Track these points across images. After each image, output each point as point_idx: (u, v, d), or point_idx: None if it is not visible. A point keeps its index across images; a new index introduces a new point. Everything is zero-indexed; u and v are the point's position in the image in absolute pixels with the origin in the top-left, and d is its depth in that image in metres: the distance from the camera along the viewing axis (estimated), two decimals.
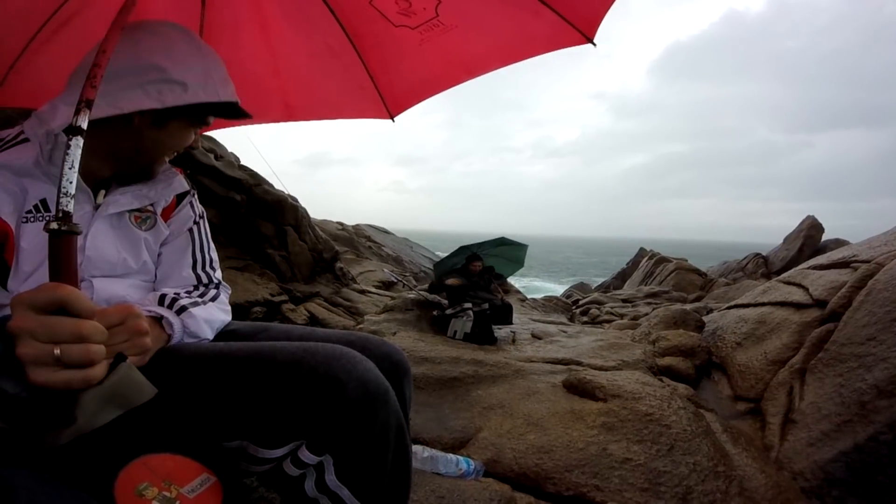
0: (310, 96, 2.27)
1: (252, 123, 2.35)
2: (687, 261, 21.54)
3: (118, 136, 1.32)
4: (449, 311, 6.06)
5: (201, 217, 1.66)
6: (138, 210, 1.45)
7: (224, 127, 2.31)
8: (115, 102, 1.23)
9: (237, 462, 1.18)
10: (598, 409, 2.99)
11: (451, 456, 2.63)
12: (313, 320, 9.07)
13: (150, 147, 1.37)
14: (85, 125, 1.07)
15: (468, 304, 5.95)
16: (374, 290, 12.23)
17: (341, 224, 21.41)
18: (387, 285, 13.38)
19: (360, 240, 20.04)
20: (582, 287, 25.68)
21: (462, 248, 7.39)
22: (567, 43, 1.74)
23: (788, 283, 4.48)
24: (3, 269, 1.19)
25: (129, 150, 1.35)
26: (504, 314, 6.22)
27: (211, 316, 1.43)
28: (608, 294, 15.88)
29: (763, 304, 4.44)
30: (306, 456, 1.14)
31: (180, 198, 1.59)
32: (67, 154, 1.03)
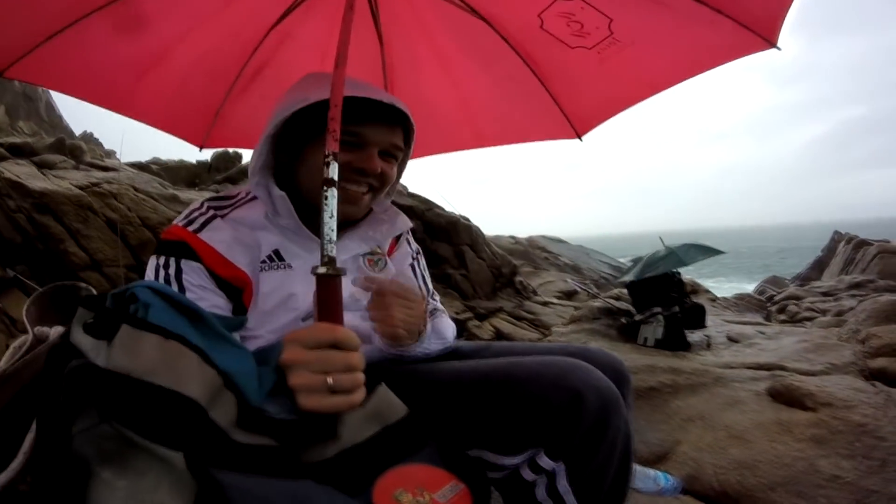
0: (497, 123, 2.33)
1: (444, 152, 2.47)
2: (890, 242, 19.12)
3: (299, 185, 1.44)
4: (638, 318, 5.93)
5: (418, 253, 1.77)
6: (371, 254, 1.58)
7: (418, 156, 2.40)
8: (264, 136, 1.38)
9: (484, 472, 1.24)
10: (808, 419, 2.83)
11: (649, 471, 2.58)
12: (499, 335, 9.26)
13: (307, 182, 1.42)
14: (335, 176, 1.19)
15: (657, 309, 5.80)
16: (556, 300, 12.20)
17: (514, 238, 21.55)
18: (568, 295, 13.30)
19: (536, 251, 19.98)
20: (775, 281, 23.64)
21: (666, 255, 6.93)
22: (750, 49, 1.67)
23: None
24: (242, 311, 1.34)
25: (305, 193, 1.43)
26: (696, 317, 5.93)
27: (450, 324, 1.59)
28: (805, 287, 14.53)
29: None
30: (544, 462, 1.19)
31: (397, 237, 1.70)
32: (326, 205, 1.16)
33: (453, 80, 2.13)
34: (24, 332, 1.12)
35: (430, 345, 1.49)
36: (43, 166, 9.75)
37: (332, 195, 1.18)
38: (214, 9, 1.72)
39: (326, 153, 1.21)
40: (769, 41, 1.60)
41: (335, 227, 1.16)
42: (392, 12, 1.86)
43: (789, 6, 1.51)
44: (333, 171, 1.20)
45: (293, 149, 1.44)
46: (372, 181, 1.43)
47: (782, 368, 4.01)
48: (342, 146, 1.30)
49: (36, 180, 8.66)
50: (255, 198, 1.44)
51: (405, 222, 1.67)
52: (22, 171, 8.93)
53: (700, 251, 6.80)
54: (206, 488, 0.79)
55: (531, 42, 1.90)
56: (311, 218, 1.41)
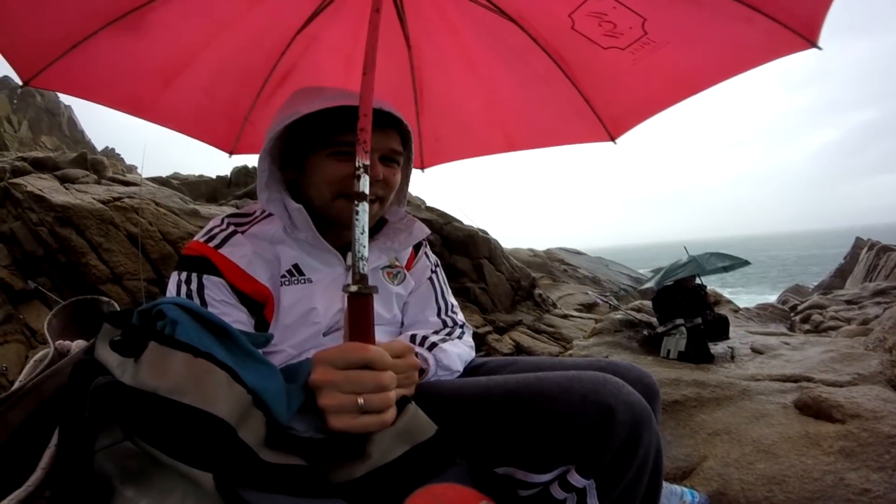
0: (528, 125, 2.28)
1: (476, 156, 2.44)
2: None
3: (310, 199, 1.43)
4: (660, 330, 5.87)
5: (437, 266, 1.76)
6: (389, 266, 1.58)
7: (447, 161, 2.42)
8: (264, 152, 1.38)
9: (514, 490, 1.23)
10: (836, 431, 2.77)
11: (675, 487, 2.46)
12: (519, 348, 9.24)
13: (315, 196, 1.41)
14: (367, 189, 1.16)
15: (680, 321, 5.72)
16: (575, 313, 12.16)
17: (533, 250, 21.50)
18: (588, 307, 13.24)
19: (555, 264, 19.93)
20: (798, 290, 23.29)
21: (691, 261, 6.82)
22: (789, 49, 1.60)
23: None
24: (264, 325, 1.35)
25: (312, 207, 1.41)
26: (719, 329, 5.84)
27: (459, 350, 1.52)
28: (829, 296, 14.33)
29: None
30: (575, 479, 1.17)
31: (416, 249, 1.70)
32: (357, 220, 1.13)
33: (483, 83, 2.11)
34: (44, 343, 1.11)
35: (450, 366, 1.47)
36: (65, 180, 9.91)
37: (364, 209, 1.15)
38: (238, 14, 1.72)
39: (357, 165, 1.18)
40: (809, 40, 1.54)
41: (367, 244, 1.14)
42: (419, 14, 1.84)
43: (831, 3, 1.43)
44: (364, 185, 1.17)
45: (296, 163, 1.44)
46: (377, 189, 1.41)
47: (809, 380, 3.94)
48: (341, 157, 1.35)
49: (58, 194, 8.80)
50: (271, 214, 1.43)
51: (423, 230, 1.65)
52: (44, 185, 9.08)
53: (721, 259, 6.73)
54: None
55: (562, 43, 1.87)
56: (326, 230, 1.41)
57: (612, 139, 2.14)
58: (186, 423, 0.81)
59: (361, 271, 1.11)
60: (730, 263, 7.07)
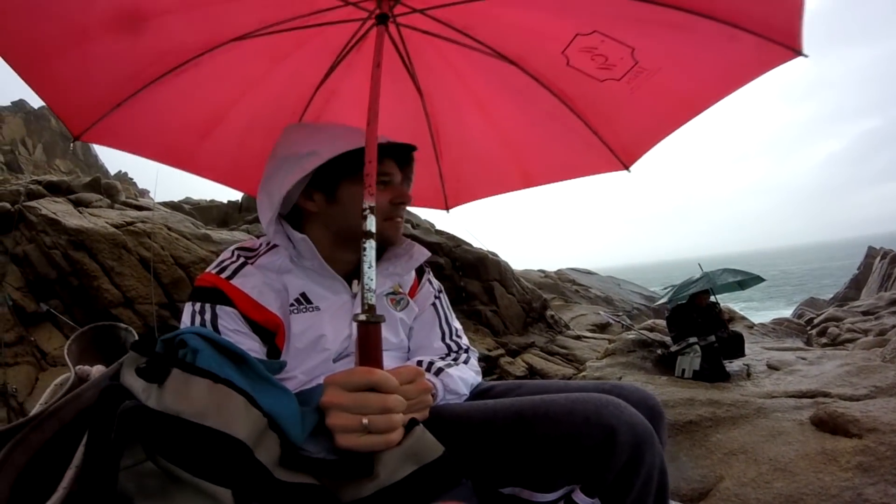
0: (543, 161, 2.33)
1: (496, 194, 2.50)
2: None
3: (324, 225, 1.51)
4: (674, 349, 5.83)
5: (440, 291, 1.81)
6: (393, 293, 1.62)
7: (467, 201, 2.49)
8: (279, 189, 1.44)
9: None
10: (853, 447, 2.75)
11: None
12: (531, 371, 9.19)
13: (344, 222, 1.48)
14: (374, 228, 1.24)
15: (693, 339, 5.67)
16: (588, 334, 12.09)
17: (543, 272, 21.47)
18: (601, 327, 13.16)
19: (566, 284, 19.87)
20: (813, 303, 23.11)
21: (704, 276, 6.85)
22: (777, 60, 1.60)
23: None
24: (276, 353, 1.39)
25: (341, 234, 1.50)
26: (734, 346, 5.77)
27: (464, 375, 1.55)
28: (845, 308, 14.18)
29: None
30: (580, 499, 1.19)
31: (419, 276, 1.75)
32: (365, 256, 1.20)
33: (496, 124, 2.16)
34: (55, 365, 1.15)
35: (456, 390, 1.50)
36: (79, 204, 10.05)
37: (371, 246, 1.22)
38: (262, 74, 1.82)
39: (364, 207, 1.25)
40: (794, 49, 1.54)
41: (374, 277, 1.21)
42: (425, 64, 1.90)
43: (801, 11, 1.45)
44: (371, 224, 1.24)
45: (321, 194, 1.50)
46: (404, 209, 1.56)
47: (825, 395, 3.91)
48: (382, 186, 1.47)
49: (72, 218, 8.91)
50: (275, 245, 1.50)
51: (422, 252, 1.69)
52: (58, 209, 9.20)
53: (734, 275, 6.71)
54: None
55: (562, 80, 1.91)
56: (330, 258, 1.47)
57: (626, 167, 2.17)
58: (207, 444, 0.86)
59: (370, 302, 1.17)
60: (743, 279, 7.05)
